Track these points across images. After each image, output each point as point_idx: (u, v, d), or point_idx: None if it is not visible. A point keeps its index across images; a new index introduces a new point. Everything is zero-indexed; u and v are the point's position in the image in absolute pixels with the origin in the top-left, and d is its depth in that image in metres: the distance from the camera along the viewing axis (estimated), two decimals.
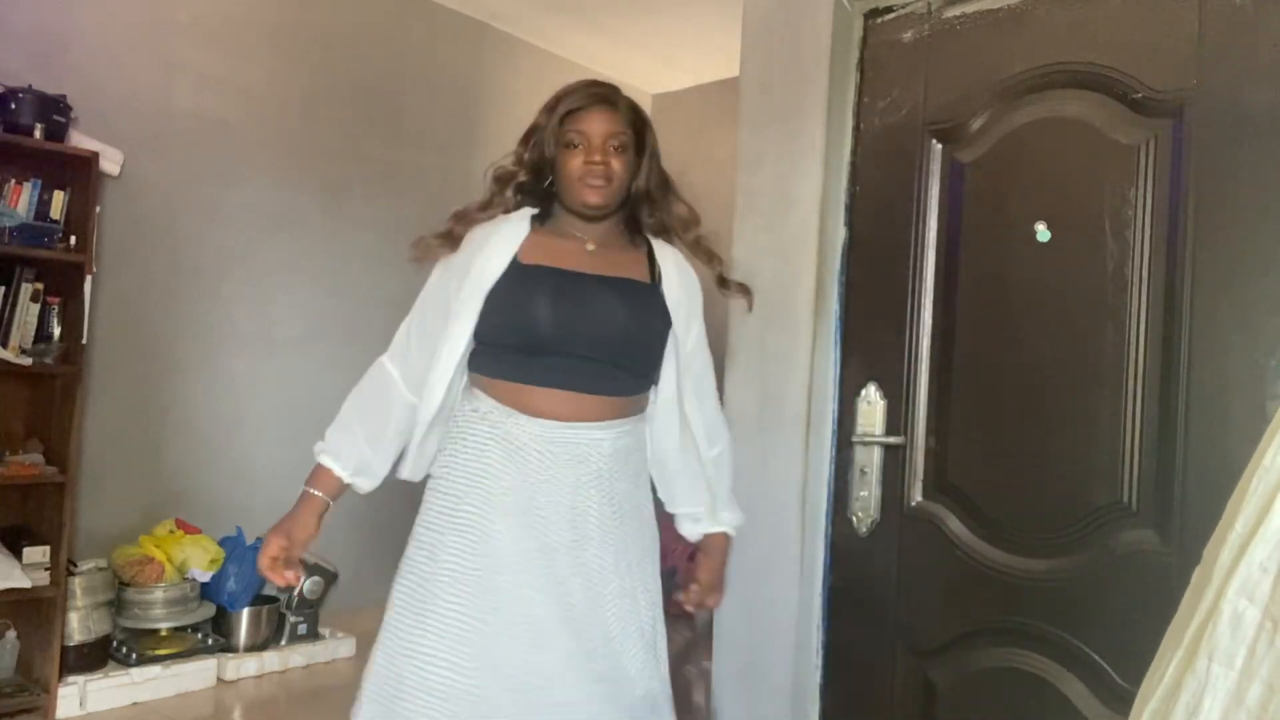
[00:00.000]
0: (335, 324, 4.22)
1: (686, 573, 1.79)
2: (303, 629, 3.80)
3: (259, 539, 4.22)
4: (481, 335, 1.59)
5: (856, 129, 2.06)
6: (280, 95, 4.03)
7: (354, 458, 1.64)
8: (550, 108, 1.65)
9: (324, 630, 3.92)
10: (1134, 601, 1.61)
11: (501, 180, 1.68)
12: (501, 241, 1.61)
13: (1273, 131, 1.55)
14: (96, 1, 3.48)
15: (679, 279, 1.67)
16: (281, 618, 3.77)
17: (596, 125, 1.62)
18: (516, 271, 1.59)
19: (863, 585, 1.94)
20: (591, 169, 1.60)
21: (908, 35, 1.99)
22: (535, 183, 1.68)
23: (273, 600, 3.79)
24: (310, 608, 3.85)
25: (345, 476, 1.64)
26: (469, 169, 4.69)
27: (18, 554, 2.96)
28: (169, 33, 3.68)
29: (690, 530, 1.74)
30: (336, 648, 3.86)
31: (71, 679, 3.09)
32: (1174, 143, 1.65)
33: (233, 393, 3.91)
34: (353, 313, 4.25)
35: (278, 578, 1.61)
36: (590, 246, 1.65)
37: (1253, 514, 0.92)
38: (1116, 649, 1.62)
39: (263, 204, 3.98)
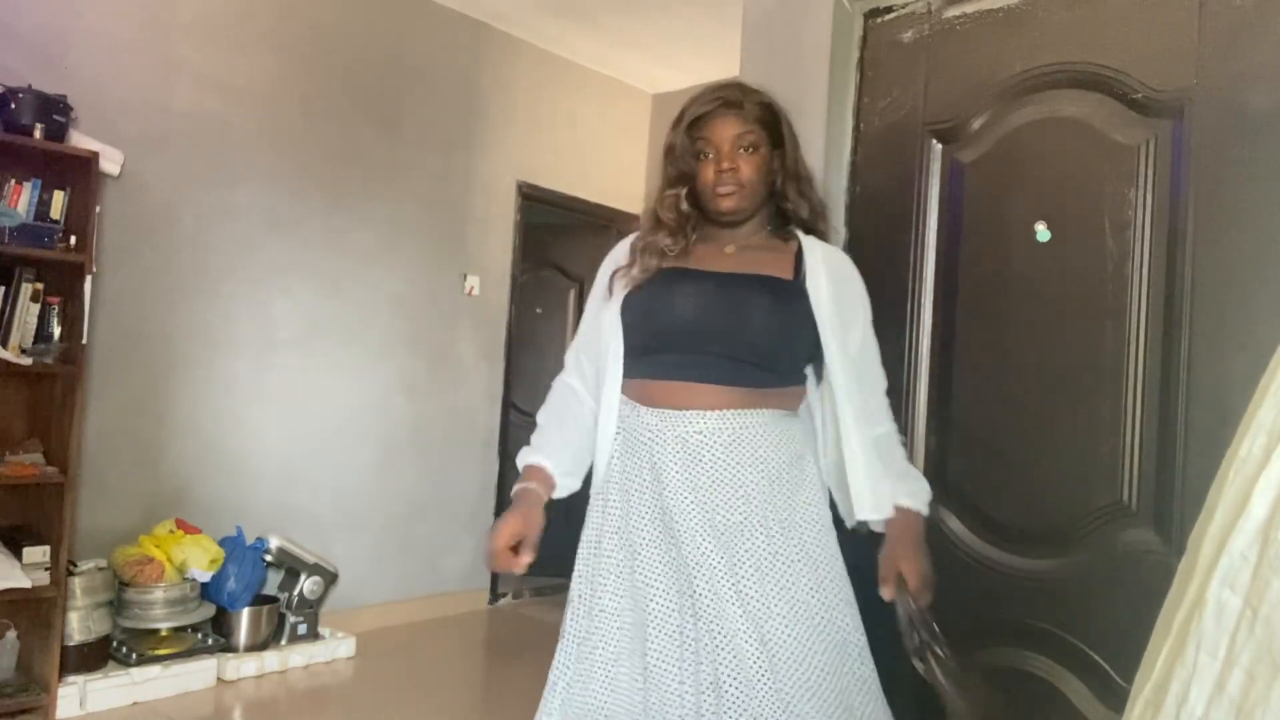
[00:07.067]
0: (335, 324, 4.22)
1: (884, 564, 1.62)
2: (302, 629, 3.80)
3: (259, 539, 4.24)
4: (625, 340, 1.62)
5: (856, 129, 2.06)
6: (280, 95, 4.03)
7: (564, 458, 1.66)
8: (678, 121, 1.64)
9: (324, 630, 3.92)
10: (1134, 601, 1.60)
11: (669, 205, 1.66)
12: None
13: (1273, 131, 1.54)
14: (96, 1, 3.48)
15: (828, 276, 1.61)
16: (281, 618, 3.77)
17: (721, 130, 1.60)
18: (657, 276, 1.63)
19: (863, 585, 1.93)
20: (721, 177, 1.60)
21: (908, 35, 1.99)
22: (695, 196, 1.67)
23: (273, 600, 3.79)
24: (310, 608, 3.85)
25: (557, 474, 1.65)
26: (469, 169, 4.71)
27: (18, 554, 2.96)
28: (169, 33, 3.68)
29: (871, 516, 1.61)
30: (336, 648, 3.85)
31: (71, 679, 3.09)
32: (1174, 143, 1.65)
33: (233, 393, 3.90)
34: (353, 313, 4.25)
35: (512, 564, 1.56)
36: (729, 249, 1.65)
37: (1231, 504, 0.93)
38: (1116, 649, 1.62)
39: (263, 204, 3.98)
